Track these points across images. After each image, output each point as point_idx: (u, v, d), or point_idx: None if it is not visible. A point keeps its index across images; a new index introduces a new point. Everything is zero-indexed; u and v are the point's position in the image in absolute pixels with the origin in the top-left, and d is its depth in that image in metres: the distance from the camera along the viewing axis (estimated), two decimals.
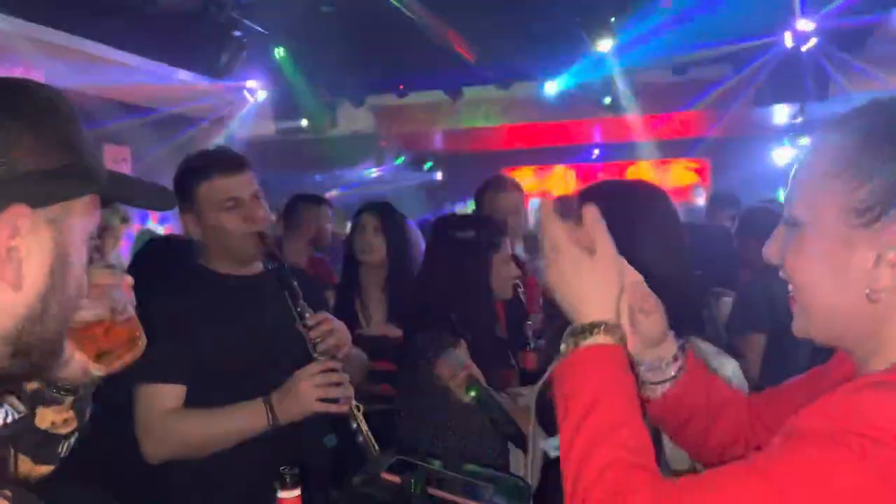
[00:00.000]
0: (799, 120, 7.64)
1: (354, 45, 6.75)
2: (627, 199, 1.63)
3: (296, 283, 1.75)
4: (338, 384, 1.68)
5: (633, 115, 7.56)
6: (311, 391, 1.65)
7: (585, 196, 1.66)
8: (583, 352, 0.90)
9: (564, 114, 8.02)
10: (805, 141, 6.78)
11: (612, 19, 5.67)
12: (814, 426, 0.73)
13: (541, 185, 10.51)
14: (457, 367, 1.87)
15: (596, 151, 10.47)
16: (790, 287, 0.89)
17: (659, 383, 1.08)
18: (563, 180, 10.76)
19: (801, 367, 1.13)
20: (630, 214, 1.58)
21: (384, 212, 2.94)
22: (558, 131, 9.35)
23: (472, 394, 1.54)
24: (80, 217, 0.83)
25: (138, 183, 0.97)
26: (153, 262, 2.49)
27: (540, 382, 1.74)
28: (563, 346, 0.93)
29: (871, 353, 0.83)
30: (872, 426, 0.69)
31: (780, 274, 0.90)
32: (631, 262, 1.40)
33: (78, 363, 1.00)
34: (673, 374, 1.07)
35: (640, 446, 0.83)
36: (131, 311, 1.02)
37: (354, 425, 1.70)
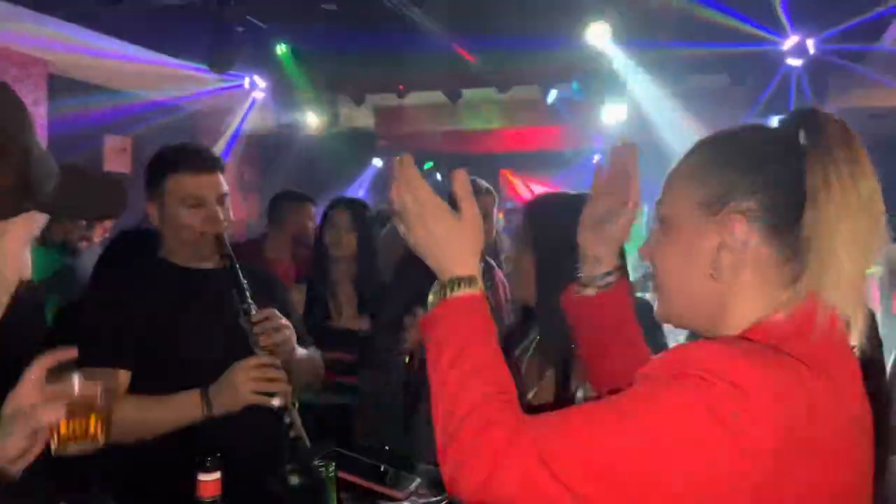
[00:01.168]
0: None
1: (355, 43, 6.81)
2: (565, 208, 1.68)
3: (245, 280, 1.78)
4: (274, 380, 1.72)
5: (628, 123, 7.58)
6: (246, 383, 1.69)
7: (529, 207, 1.73)
8: (450, 302, 0.99)
9: (565, 118, 8.06)
10: None
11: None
12: (657, 370, 0.88)
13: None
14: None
15: (597, 157, 10.47)
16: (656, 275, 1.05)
17: (590, 285, 1.26)
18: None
19: None
20: (567, 221, 1.64)
21: (355, 207, 3.00)
22: (558, 135, 9.38)
23: None
24: (20, 228, 0.85)
25: (86, 190, 0.96)
26: (122, 251, 2.56)
27: None
28: (431, 298, 1.02)
29: (713, 334, 0.98)
30: (699, 367, 0.83)
31: (650, 269, 1.06)
32: (566, 263, 1.46)
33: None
34: (606, 283, 1.25)
35: (506, 383, 0.95)
36: (103, 410, 1.12)
37: (288, 420, 1.74)
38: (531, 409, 1.63)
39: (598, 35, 5.64)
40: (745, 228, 0.93)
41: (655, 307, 1.06)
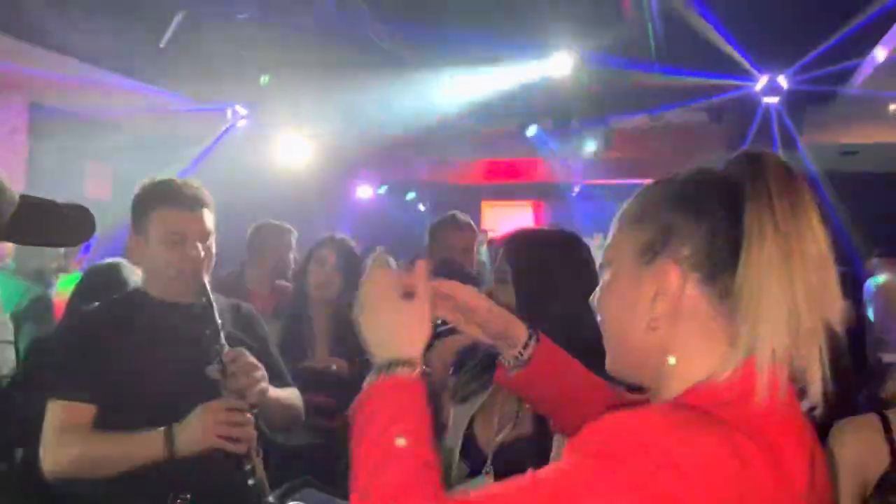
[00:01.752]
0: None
1: (340, 73, 6.87)
2: (546, 246, 1.71)
3: (219, 320, 1.77)
4: (239, 425, 1.69)
5: (608, 157, 7.69)
6: (211, 426, 1.67)
7: (509, 243, 1.73)
8: (386, 381, 0.98)
9: (545, 150, 8.16)
10: None
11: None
12: (585, 442, 0.83)
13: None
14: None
15: (576, 189, 10.58)
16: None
17: (514, 367, 1.22)
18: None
19: None
20: (547, 260, 1.67)
21: (343, 247, 2.98)
22: (538, 168, 9.48)
23: None
24: None
25: (49, 218, 0.95)
26: (95, 283, 2.54)
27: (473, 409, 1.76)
28: (370, 378, 1.01)
29: (658, 391, 0.94)
30: (626, 441, 0.80)
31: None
32: (547, 301, 1.46)
33: None
34: (528, 357, 1.21)
35: (427, 460, 0.91)
36: None
37: (249, 467, 1.70)
38: (509, 444, 1.62)
39: (562, 67, 5.63)
40: (680, 277, 0.89)
41: (606, 361, 1.01)
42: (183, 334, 1.81)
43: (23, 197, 0.90)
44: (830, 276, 0.87)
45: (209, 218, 1.92)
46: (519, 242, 1.74)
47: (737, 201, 0.88)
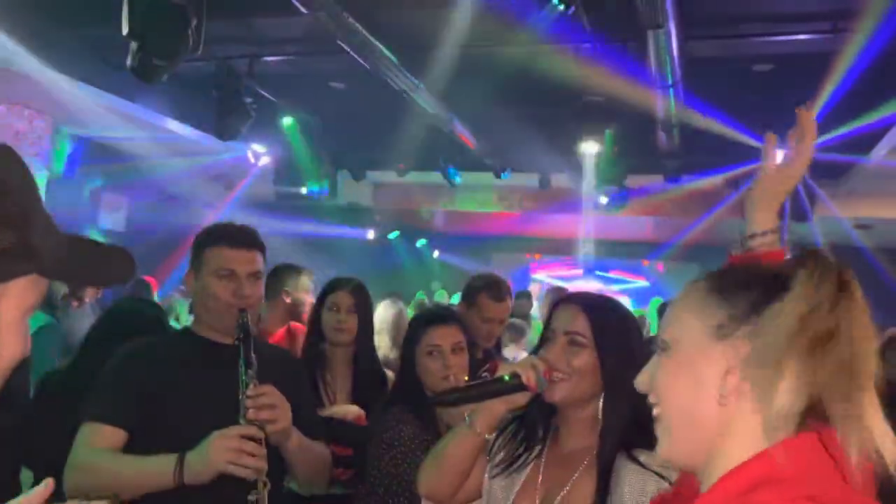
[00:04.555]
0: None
1: (359, 120, 6.96)
2: (627, 315, 1.70)
3: (254, 356, 1.78)
4: (252, 454, 1.66)
5: (626, 216, 7.73)
6: (222, 451, 1.65)
7: (593, 309, 1.63)
8: None
9: (559, 207, 8.20)
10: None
11: (607, 131, 5.86)
12: None
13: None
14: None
15: (588, 247, 10.61)
16: (655, 411, 1.01)
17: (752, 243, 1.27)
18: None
19: None
20: (629, 330, 1.64)
21: (358, 289, 2.91)
22: (551, 224, 9.52)
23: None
24: (16, 295, 0.80)
25: (94, 257, 0.92)
26: (122, 318, 2.54)
27: None
28: None
29: (709, 472, 0.93)
30: None
31: (649, 400, 1.02)
32: (628, 370, 1.42)
33: None
34: (759, 244, 1.26)
35: None
36: None
37: (253, 499, 1.66)
38: None
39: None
40: (749, 352, 0.91)
41: (658, 447, 1.00)
42: (221, 372, 1.81)
43: (68, 236, 0.87)
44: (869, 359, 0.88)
45: (259, 260, 1.99)
46: (600, 310, 1.64)
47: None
